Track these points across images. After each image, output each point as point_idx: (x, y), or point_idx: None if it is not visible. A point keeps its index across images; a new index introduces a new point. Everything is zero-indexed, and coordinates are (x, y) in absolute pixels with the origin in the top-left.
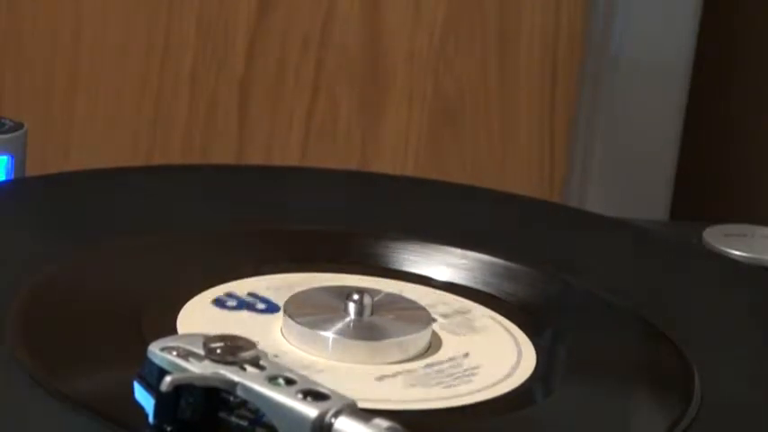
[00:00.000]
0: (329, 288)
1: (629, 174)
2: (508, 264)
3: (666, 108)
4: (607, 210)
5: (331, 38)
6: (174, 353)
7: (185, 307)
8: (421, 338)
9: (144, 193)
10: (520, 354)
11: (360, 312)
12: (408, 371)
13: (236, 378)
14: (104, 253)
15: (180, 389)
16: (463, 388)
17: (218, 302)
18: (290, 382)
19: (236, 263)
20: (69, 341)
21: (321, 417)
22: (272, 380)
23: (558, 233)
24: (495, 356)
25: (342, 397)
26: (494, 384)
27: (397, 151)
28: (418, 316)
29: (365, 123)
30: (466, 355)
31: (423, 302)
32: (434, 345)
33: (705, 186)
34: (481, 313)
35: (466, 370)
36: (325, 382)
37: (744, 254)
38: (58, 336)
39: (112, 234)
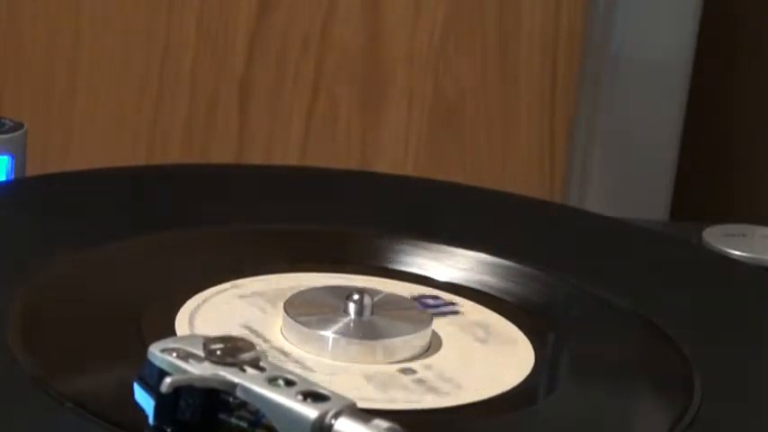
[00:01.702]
0: (329, 288)
1: (629, 174)
2: (508, 264)
3: (666, 108)
4: (607, 210)
5: (331, 38)
6: (174, 354)
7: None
8: (421, 338)
9: (144, 193)
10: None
11: (360, 312)
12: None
13: (235, 379)
14: (104, 253)
15: (180, 390)
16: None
17: None
18: (289, 383)
19: (236, 263)
20: (69, 341)
21: (321, 418)
22: (272, 381)
23: (558, 233)
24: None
25: (342, 398)
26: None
27: (397, 151)
28: (418, 316)
29: (365, 123)
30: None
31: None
32: (434, 345)
33: (705, 186)
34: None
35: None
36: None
37: (744, 254)
38: (58, 336)
39: (112, 234)
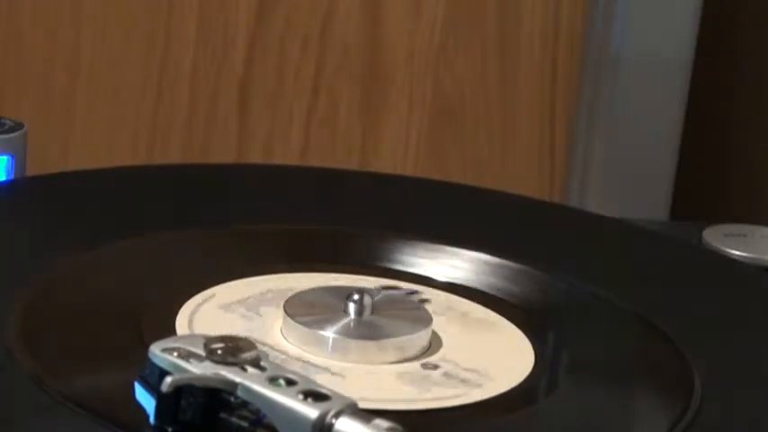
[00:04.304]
0: (329, 288)
1: (629, 174)
2: (508, 264)
3: (666, 108)
4: (607, 210)
5: (331, 38)
6: (175, 353)
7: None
8: (421, 338)
9: (144, 194)
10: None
11: (360, 312)
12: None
13: (236, 379)
14: (104, 253)
15: (181, 389)
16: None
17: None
18: (290, 382)
19: (236, 263)
20: (69, 341)
21: (322, 417)
22: (273, 380)
23: (558, 233)
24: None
25: (342, 397)
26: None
27: (397, 151)
28: (418, 316)
29: (365, 123)
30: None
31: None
32: (434, 345)
33: (705, 186)
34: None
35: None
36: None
37: (744, 254)
38: (58, 336)
39: (112, 234)
